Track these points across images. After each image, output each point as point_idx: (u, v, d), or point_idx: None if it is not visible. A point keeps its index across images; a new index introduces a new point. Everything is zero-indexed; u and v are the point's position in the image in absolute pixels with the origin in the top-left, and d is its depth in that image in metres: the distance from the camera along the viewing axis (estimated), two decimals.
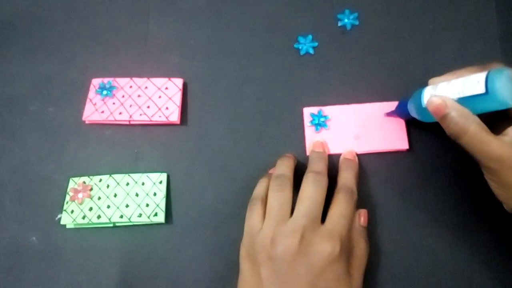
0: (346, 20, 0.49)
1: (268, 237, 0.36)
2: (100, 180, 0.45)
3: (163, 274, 0.43)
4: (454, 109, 0.33)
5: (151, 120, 0.46)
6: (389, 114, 0.44)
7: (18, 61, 0.52)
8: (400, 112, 0.42)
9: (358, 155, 0.44)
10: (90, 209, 0.44)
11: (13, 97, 0.50)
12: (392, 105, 0.44)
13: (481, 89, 0.32)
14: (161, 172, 0.45)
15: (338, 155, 0.44)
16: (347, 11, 0.49)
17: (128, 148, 0.47)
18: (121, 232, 0.44)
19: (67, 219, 0.44)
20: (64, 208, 0.44)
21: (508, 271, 0.40)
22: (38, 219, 0.45)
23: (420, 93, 0.38)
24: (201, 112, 0.47)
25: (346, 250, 0.36)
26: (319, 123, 0.45)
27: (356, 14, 0.49)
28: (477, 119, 0.33)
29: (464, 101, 0.34)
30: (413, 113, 0.39)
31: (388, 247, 0.41)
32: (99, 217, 0.43)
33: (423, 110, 0.37)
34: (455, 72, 0.37)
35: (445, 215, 0.42)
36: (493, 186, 0.35)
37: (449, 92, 0.35)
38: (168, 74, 0.48)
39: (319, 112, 0.45)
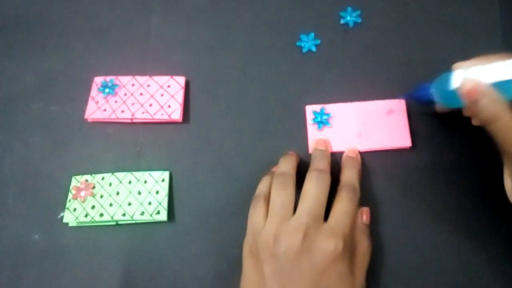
0: (348, 18, 0.48)
1: (271, 235, 0.36)
2: (103, 178, 0.45)
3: (166, 272, 0.43)
4: (487, 94, 0.32)
5: (153, 118, 0.46)
6: (407, 96, 0.42)
7: (21, 59, 0.52)
8: (421, 95, 0.40)
9: (360, 153, 0.43)
10: (93, 207, 0.44)
11: (15, 95, 0.50)
12: (395, 103, 0.44)
13: None
14: (164, 170, 0.45)
15: (341, 153, 0.43)
16: (349, 9, 0.49)
17: (130, 146, 0.47)
18: (123, 230, 0.44)
19: (69, 217, 0.44)
20: (67, 206, 0.44)
21: (510, 270, 0.40)
22: (40, 217, 0.45)
23: (448, 75, 0.36)
24: (203, 110, 0.47)
25: (349, 248, 0.36)
26: (322, 121, 0.45)
27: (358, 12, 0.49)
28: (510, 106, 0.32)
29: (499, 86, 0.33)
30: (437, 97, 0.38)
31: (391, 245, 0.41)
32: (101, 215, 0.43)
33: (450, 94, 0.36)
34: (480, 58, 0.35)
35: (447, 213, 0.42)
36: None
37: (483, 76, 0.33)
38: (170, 72, 0.48)
39: (321, 110, 0.45)
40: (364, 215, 0.40)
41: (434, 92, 0.39)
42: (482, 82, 0.33)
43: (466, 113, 0.38)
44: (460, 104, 0.36)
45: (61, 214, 0.45)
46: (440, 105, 0.41)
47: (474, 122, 0.37)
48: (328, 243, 0.35)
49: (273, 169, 0.42)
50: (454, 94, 0.35)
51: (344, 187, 0.39)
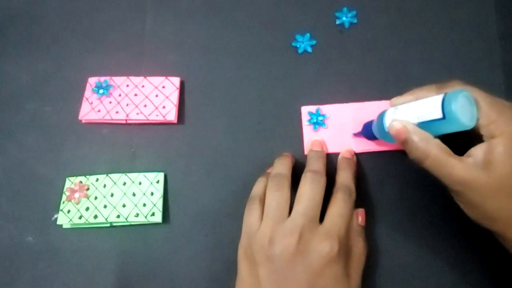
0: (344, 18, 0.48)
1: (266, 237, 0.35)
2: (97, 180, 0.45)
3: (161, 274, 0.42)
4: (415, 134, 0.34)
5: (148, 119, 0.46)
6: (357, 135, 0.43)
7: (14, 60, 0.51)
8: (366, 133, 0.42)
9: (356, 154, 0.43)
10: (87, 209, 0.44)
11: (9, 96, 0.50)
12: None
13: (438, 114, 0.32)
14: (158, 171, 0.45)
15: (337, 154, 0.43)
16: (345, 9, 0.49)
17: (125, 147, 0.47)
18: (118, 232, 0.44)
19: (63, 219, 0.43)
20: (61, 208, 0.44)
21: (507, 271, 0.40)
22: (34, 219, 0.45)
23: (383, 116, 0.38)
24: (198, 111, 0.47)
25: (345, 250, 0.36)
26: (317, 122, 0.44)
27: (354, 12, 0.48)
28: (439, 142, 0.33)
29: (424, 124, 0.34)
30: (378, 135, 0.40)
31: (387, 247, 0.41)
32: (95, 217, 0.43)
33: (386, 133, 0.37)
34: (414, 92, 0.37)
35: (443, 214, 0.42)
36: (462, 207, 0.35)
37: (409, 116, 0.35)
38: (165, 72, 0.48)
39: (317, 110, 0.45)
40: (360, 216, 0.40)
41: (375, 131, 0.40)
42: (408, 123, 0.34)
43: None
44: (394, 141, 0.37)
45: (55, 216, 0.44)
46: None
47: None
48: (324, 245, 0.35)
49: (268, 170, 0.42)
50: (388, 133, 0.37)
51: (340, 188, 0.39)
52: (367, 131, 0.41)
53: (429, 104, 0.33)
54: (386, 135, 0.38)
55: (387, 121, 0.37)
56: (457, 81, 0.34)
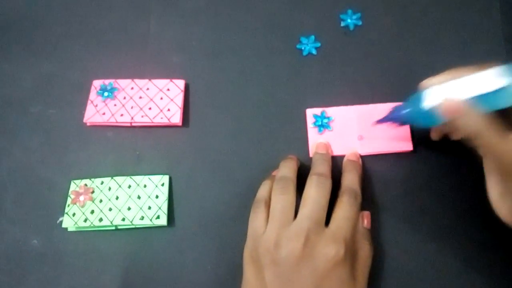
0: (349, 20, 0.48)
1: (271, 240, 0.35)
2: (102, 183, 0.45)
3: (166, 277, 0.42)
4: (469, 111, 0.32)
5: (152, 122, 0.46)
6: (380, 121, 0.41)
7: (19, 62, 0.51)
8: (395, 117, 0.40)
9: (361, 156, 0.43)
10: (92, 212, 0.44)
11: (13, 98, 0.50)
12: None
13: (500, 84, 0.31)
14: (163, 174, 0.45)
15: (342, 157, 0.43)
16: (350, 11, 0.49)
17: (129, 150, 0.46)
18: (123, 235, 0.44)
19: (68, 222, 0.43)
20: (66, 211, 0.44)
21: (510, 274, 0.40)
22: (39, 222, 0.45)
23: (420, 96, 0.36)
24: (203, 114, 0.47)
25: (350, 253, 0.36)
26: (322, 124, 0.44)
27: (359, 14, 0.48)
28: (491, 120, 0.32)
29: (477, 99, 0.32)
30: (411, 119, 0.38)
31: (392, 249, 0.41)
32: (100, 220, 0.43)
33: (423, 114, 0.36)
34: (451, 72, 0.35)
35: (448, 217, 0.42)
36: (496, 194, 0.34)
37: (458, 92, 0.33)
38: (170, 75, 0.48)
39: (322, 113, 0.45)
40: (365, 219, 0.40)
41: (406, 114, 0.38)
42: (459, 99, 0.33)
43: (436, 133, 0.40)
44: (433, 123, 0.36)
45: (60, 219, 0.44)
46: (435, 134, 0.41)
47: (455, 136, 0.37)
48: (330, 248, 0.34)
49: (274, 173, 0.42)
50: (428, 113, 0.35)
51: (345, 191, 0.39)
52: (397, 115, 0.39)
53: (487, 76, 0.32)
54: (424, 117, 0.36)
55: (429, 100, 0.35)
56: (498, 63, 0.34)
